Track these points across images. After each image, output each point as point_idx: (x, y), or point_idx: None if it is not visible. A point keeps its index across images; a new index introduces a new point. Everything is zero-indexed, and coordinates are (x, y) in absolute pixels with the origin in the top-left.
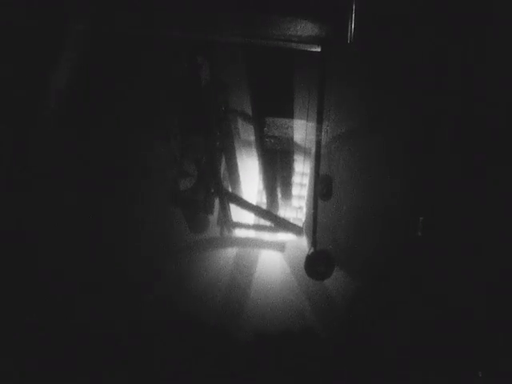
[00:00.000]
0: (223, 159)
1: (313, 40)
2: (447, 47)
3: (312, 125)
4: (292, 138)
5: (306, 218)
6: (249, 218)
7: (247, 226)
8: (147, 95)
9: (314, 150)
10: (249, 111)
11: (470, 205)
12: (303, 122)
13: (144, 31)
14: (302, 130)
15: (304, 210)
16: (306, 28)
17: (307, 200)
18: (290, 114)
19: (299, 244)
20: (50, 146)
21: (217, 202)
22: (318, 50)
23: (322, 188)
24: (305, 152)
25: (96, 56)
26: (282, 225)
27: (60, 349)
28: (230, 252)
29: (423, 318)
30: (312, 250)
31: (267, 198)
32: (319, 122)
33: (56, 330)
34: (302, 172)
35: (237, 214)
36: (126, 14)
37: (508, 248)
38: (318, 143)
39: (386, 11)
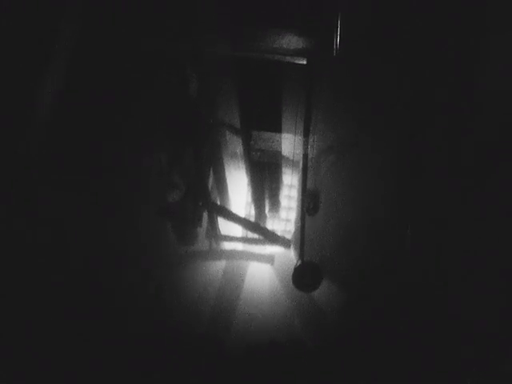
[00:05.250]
0: (211, 172)
1: (299, 53)
2: (434, 60)
3: (300, 138)
4: (280, 151)
5: (294, 230)
6: (237, 230)
7: (235, 239)
8: (135, 106)
9: (301, 164)
10: (237, 124)
11: (458, 217)
12: (291, 135)
13: (132, 43)
14: (289, 143)
15: (292, 222)
16: (292, 41)
17: (295, 212)
18: (277, 127)
19: (287, 256)
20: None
21: (205, 214)
22: (304, 62)
23: (308, 203)
24: (293, 164)
25: (84, 63)
26: (270, 237)
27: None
28: (219, 264)
29: (412, 328)
30: (300, 262)
31: (255, 211)
32: (306, 135)
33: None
34: (290, 184)
35: (225, 226)
36: (117, 25)
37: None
38: (306, 157)
39: (372, 24)
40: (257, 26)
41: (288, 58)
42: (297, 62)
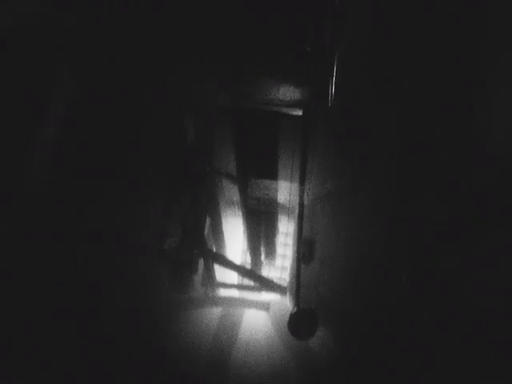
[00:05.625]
0: (208, 219)
1: (295, 104)
2: (431, 109)
3: (295, 186)
4: (276, 199)
5: (290, 277)
6: (233, 277)
7: (231, 286)
8: (133, 154)
9: (297, 211)
10: (233, 172)
11: (454, 259)
12: (287, 183)
13: (131, 93)
14: (285, 191)
15: (288, 269)
16: (288, 92)
17: (291, 260)
18: (273, 175)
19: (283, 303)
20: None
21: (201, 261)
22: (300, 113)
23: (304, 250)
24: (289, 212)
25: (82, 113)
26: (266, 284)
27: None
28: (215, 311)
29: (412, 375)
30: (295, 309)
31: (251, 258)
32: (302, 183)
33: None
34: (286, 232)
35: (221, 273)
36: (116, 77)
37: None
38: (301, 204)
39: (366, 75)
40: (254, 77)
41: (284, 109)
42: (293, 112)
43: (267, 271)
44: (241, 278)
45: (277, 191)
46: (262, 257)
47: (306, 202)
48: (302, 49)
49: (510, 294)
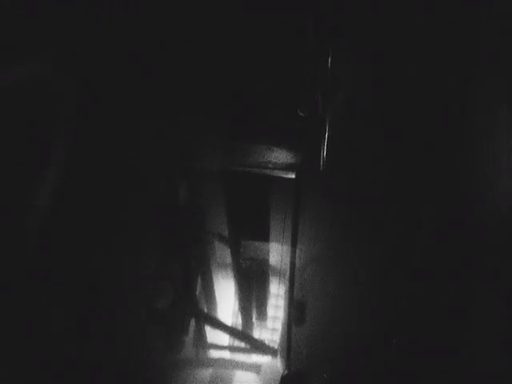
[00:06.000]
0: (199, 280)
1: (287, 167)
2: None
3: (287, 248)
4: (268, 260)
5: (281, 339)
6: (224, 338)
7: (222, 347)
8: (123, 215)
9: (288, 273)
10: (225, 233)
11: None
12: (279, 244)
13: (122, 155)
14: (277, 253)
15: (279, 331)
16: (280, 156)
17: (282, 322)
18: (265, 237)
19: (274, 365)
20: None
21: (192, 322)
22: (293, 176)
23: (295, 312)
24: (280, 274)
25: (71, 181)
26: (257, 346)
27: None
28: (205, 372)
29: None
30: (286, 372)
31: (242, 319)
32: (294, 245)
33: None
34: (278, 294)
35: (212, 334)
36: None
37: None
38: (293, 266)
39: (358, 137)
40: (247, 142)
41: (276, 172)
42: (285, 175)
43: (258, 333)
44: (232, 339)
45: (268, 253)
46: (253, 318)
47: (297, 264)
48: (295, 113)
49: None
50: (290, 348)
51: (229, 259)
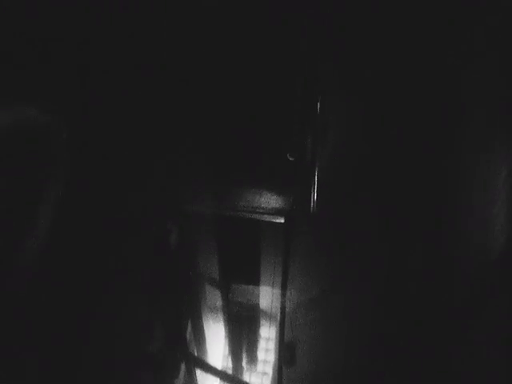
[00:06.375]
0: (190, 323)
1: (277, 212)
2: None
3: (277, 291)
4: (258, 304)
5: (272, 382)
6: (215, 382)
7: None
8: (113, 258)
9: (279, 317)
10: (216, 277)
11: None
12: (269, 288)
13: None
14: (267, 296)
15: (269, 375)
16: (270, 200)
17: (272, 365)
18: (256, 281)
19: None
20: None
21: (183, 365)
22: (282, 220)
23: (286, 356)
24: (270, 317)
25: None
26: None
27: None
28: None
29: None
30: None
31: (232, 363)
32: (284, 288)
33: None
34: (268, 337)
35: (203, 378)
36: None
37: None
38: (283, 310)
39: (349, 183)
40: (236, 187)
41: (266, 217)
42: (275, 220)
43: (248, 377)
44: (222, 383)
45: (258, 296)
46: (244, 362)
47: (287, 307)
48: (284, 158)
49: None
50: None
51: (219, 303)
